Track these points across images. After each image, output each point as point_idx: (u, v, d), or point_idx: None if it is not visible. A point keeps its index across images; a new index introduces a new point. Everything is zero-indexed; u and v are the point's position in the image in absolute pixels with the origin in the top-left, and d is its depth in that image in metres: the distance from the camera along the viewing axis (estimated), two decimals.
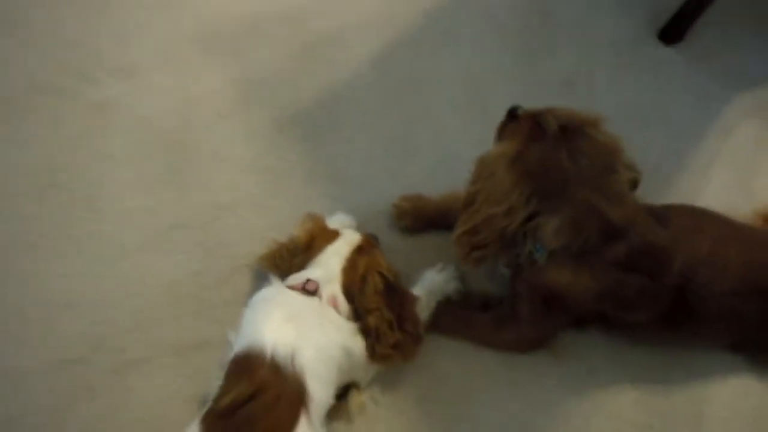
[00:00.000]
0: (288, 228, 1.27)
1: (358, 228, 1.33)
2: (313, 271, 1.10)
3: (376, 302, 1.09)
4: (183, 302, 1.28)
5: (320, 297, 1.07)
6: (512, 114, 1.13)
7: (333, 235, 1.17)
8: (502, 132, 1.14)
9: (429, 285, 1.25)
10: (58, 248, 1.32)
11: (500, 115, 1.51)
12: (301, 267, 1.13)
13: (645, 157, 1.47)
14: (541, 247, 1.04)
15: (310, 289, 1.06)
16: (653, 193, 1.44)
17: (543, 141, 1.00)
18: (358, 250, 1.15)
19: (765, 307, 1.15)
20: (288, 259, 1.16)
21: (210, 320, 1.26)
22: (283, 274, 1.14)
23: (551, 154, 0.99)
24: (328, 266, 1.11)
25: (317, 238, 1.16)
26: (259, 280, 1.26)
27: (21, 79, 1.52)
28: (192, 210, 1.38)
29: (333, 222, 1.31)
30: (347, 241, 1.16)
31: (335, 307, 1.08)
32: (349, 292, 1.10)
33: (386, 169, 1.46)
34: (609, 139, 1.04)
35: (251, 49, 1.62)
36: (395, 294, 1.13)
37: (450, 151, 1.48)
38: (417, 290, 1.23)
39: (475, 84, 1.60)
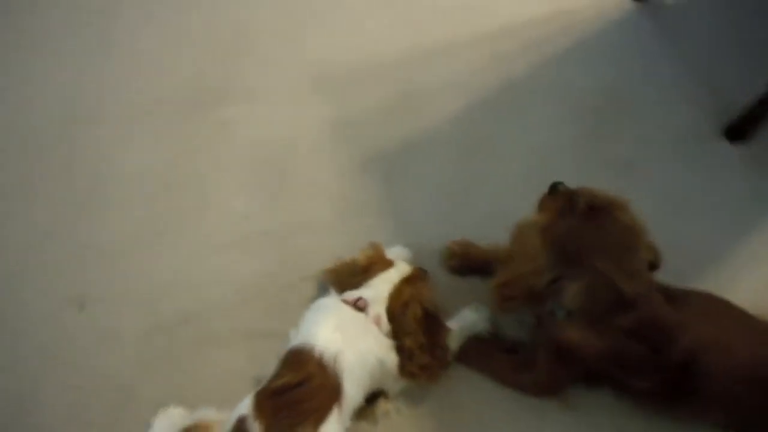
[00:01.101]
0: (352, 251, 1.50)
1: (412, 261, 1.54)
2: (365, 291, 1.33)
3: (413, 327, 1.30)
4: (258, 297, 1.55)
5: (367, 314, 1.29)
6: (553, 188, 1.31)
7: (388, 264, 1.39)
8: (542, 203, 1.32)
9: (463, 321, 1.44)
10: (169, 241, 1.64)
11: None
12: (357, 285, 1.36)
13: (684, 243, 1.62)
14: (561, 306, 1.21)
15: (360, 306, 1.29)
16: (690, 281, 1.56)
17: (572, 216, 1.18)
18: (407, 280, 1.36)
19: (766, 401, 1.24)
20: (348, 277, 1.39)
21: (277, 316, 1.51)
22: (342, 289, 1.37)
23: (577, 228, 1.17)
24: (379, 289, 1.33)
25: (375, 264, 1.38)
26: (321, 291, 1.51)
27: (166, 95, 1.88)
28: (278, 223, 1.66)
29: (391, 252, 1.52)
30: (399, 270, 1.38)
31: (378, 324, 1.30)
32: (392, 314, 1.32)
33: (445, 215, 1.67)
34: (633, 221, 1.20)
35: (354, 94, 1.90)
36: (431, 322, 1.34)
37: (504, 209, 1.60)
38: (452, 323, 1.40)
39: (541, 154, 1.78)
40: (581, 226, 1.18)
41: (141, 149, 1.78)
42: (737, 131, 1.79)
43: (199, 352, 1.47)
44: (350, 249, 1.55)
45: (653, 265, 1.25)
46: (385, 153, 1.78)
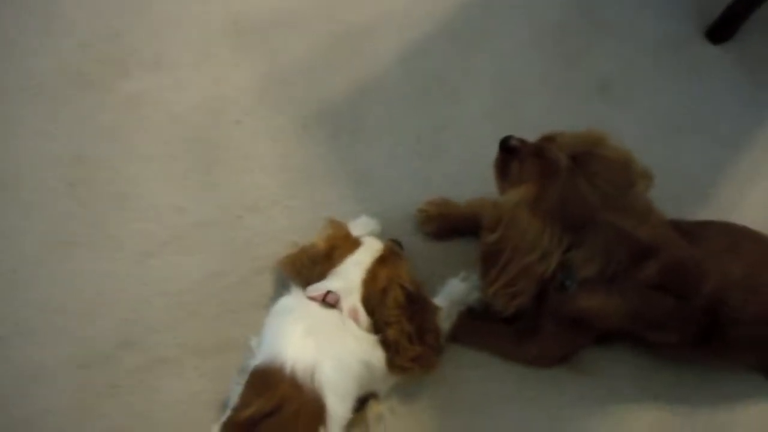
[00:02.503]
0: (311, 230, 1.27)
1: (383, 232, 1.32)
2: (333, 283, 1.10)
3: (396, 315, 1.09)
4: (206, 302, 1.29)
5: (340, 309, 1.07)
6: (506, 147, 1.09)
7: (354, 244, 1.16)
8: (503, 169, 1.09)
9: (451, 295, 1.24)
10: (89, 245, 1.34)
11: (531, 119, 1.50)
12: (321, 276, 1.13)
13: (683, 166, 1.45)
14: (572, 277, 1.01)
15: (330, 301, 1.06)
16: (691, 205, 1.41)
17: (557, 176, 0.97)
18: (380, 261, 1.14)
19: None
20: (309, 267, 1.16)
21: (231, 322, 1.27)
22: (305, 282, 1.14)
23: (570, 187, 0.96)
24: (349, 277, 1.11)
25: (338, 246, 1.15)
26: (281, 284, 1.27)
27: (54, 68, 1.52)
28: (217, 209, 1.38)
29: (357, 226, 1.30)
30: (369, 250, 1.15)
31: (355, 319, 1.08)
32: (369, 304, 1.10)
33: (412, 171, 1.44)
34: (619, 154, 1.01)
35: (280, 44, 1.59)
36: (416, 306, 1.13)
37: (478, 154, 1.43)
38: (439, 300, 1.22)
39: (507, 85, 1.55)
40: (572, 182, 0.96)
41: (32, 138, 1.45)
42: (721, 31, 1.60)
43: (144, 381, 1.22)
44: (306, 229, 1.32)
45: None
46: (328, 108, 1.51)
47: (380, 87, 1.55)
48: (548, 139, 1.02)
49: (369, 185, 1.42)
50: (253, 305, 1.28)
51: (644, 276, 1.00)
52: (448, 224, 1.33)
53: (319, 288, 1.09)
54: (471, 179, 1.41)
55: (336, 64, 1.58)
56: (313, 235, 1.22)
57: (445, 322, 1.20)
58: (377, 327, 1.10)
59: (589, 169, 0.96)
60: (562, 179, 0.96)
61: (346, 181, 1.42)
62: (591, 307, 1.03)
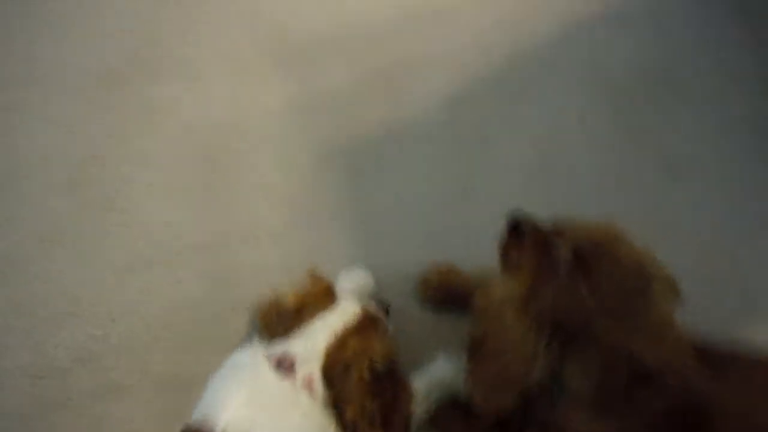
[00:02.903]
0: (301, 272, 1.15)
1: (375, 290, 1.19)
2: (294, 344, 0.97)
3: (359, 394, 0.95)
4: (177, 331, 1.20)
5: (294, 376, 0.94)
6: (515, 226, 0.93)
7: (329, 302, 1.04)
8: (505, 249, 0.95)
9: (434, 375, 1.09)
10: (73, 248, 1.29)
11: (569, 186, 1.33)
12: (287, 333, 1.01)
13: (747, 274, 1.23)
14: (561, 386, 0.84)
15: (284, 367, 0.94)
16: (746, 324, 1.19)
17: (555, 277, 0.81)
18: (353, 328, 1.00)
19: None
20: (276, 321, 1.04)
21: (198, 357, 1.18)
22: (271, 335, 1.02)
23: (568, 289, 0.79)
24: (313, 341, 0.98)
25: (309, 305, 1.03)
26: (254, 327, 1.16)
27: (86, 66, 1.50)
28: (211, 235, 1.30)
29: (347, 278, 1.18)
30: (342, 313, 1.02)
31: (310, 390, 0.95)
32: (330, 374, 0.96)
33: (427, 225, 1.30)
34: (634, 255, 0.85)
35: (320, 69, 1.51)
36: (386, 383, 0.98)
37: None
38: (418, 380, 1.07)
39: (554, 146, 1.39)
40: (571, 285, 0.80)
41: (47, 131, 1.42)
42: None
43: (96, 403, 1.15)
44: (297, 270, 1.18)
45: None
46: (352, 145, 1.41)
47: (412, 130, 1.43)
48: (558, 232, 0.86)
49: (376, 233, 1.30)
50: (222, 342, 1.17)
51: (646, 408, 0.81)
52: (450, 295, 1.19)
53: (276, 349, 0.97)
54: (488, 246, 1.25)
55: (372, 98, 1.47)
56: (294, 281, 1.11)
57: (420, 405, 1.05)
58: (335, 401, 0.97)
59: (595, 270, 0.79)
60: (558, 281, 0.79)
61: (352, 225, 1.31)
62: (578, 426, 0.85)
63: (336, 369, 0.96)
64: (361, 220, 1.32)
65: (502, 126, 1.42)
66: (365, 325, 1.02)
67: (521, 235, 0.91)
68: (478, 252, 1.20)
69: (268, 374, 0.92)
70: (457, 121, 1.43)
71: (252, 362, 0.95)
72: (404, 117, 1.45)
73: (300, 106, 1.46)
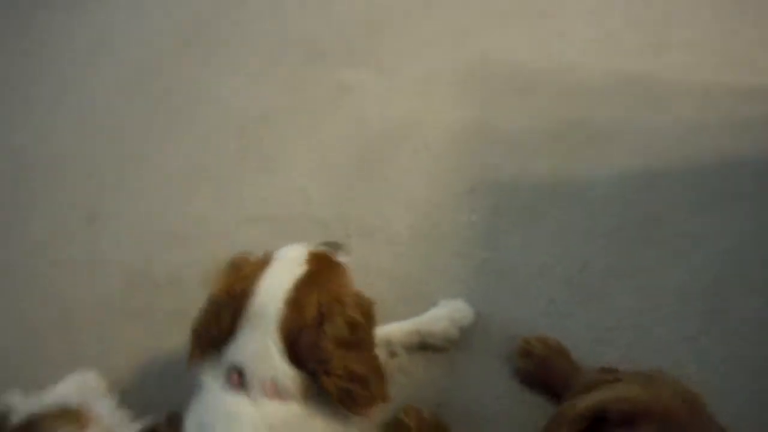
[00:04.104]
0: (403, 287, 1.07)
1: (472, 330, 1.06)
2: (232, 354, 0.76)
3: (339, 357, 0.75)
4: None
5: (249, 390, 0.74)
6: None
7: (261, 265, 0.81)
8: None
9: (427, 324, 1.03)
10: (217, 185, 1.37)
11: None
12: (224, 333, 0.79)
13: None
14: None
15: (233, 385, 0.74)
16: None
17: None
18: (305, 279, 0.78)
19: None
20: (215, 332, 0.80)
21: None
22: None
23: None
24: (252, 332, 0.75)
25: (239, 280, 0.79)
26: None
27: (294, 37, 1.61)
28: (335, 216, 1.28)
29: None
30: (284, 268, 0.79)
31: (275, 395, 0.74)
32: (298, 349, 0.75)
33: (552, 299, 1.11)
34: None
35: (507, 101, 1.43)
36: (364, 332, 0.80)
37: (644, 325, 1.06)
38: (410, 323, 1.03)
39: (730, 259, 1.13)
40: None
41: (245, 85, 1.54)
42: None
43: (172, 325, 1.15)
44: (401, 284, 1.12)
45: None
46: (507, 187, 1.28)
47: (575, 196, 1.26)
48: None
49: (494, 280, 1.15)
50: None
51: None
52: (545, 376, 0.99)
53: (221, 364, 0.77)
54: (615, 348, 1.04)
55: (546, 149, 1.34)
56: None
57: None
58: (320, 375, 0.75)
59: None
60: None
61: (473, 264, 1.18)
62: None
63: (304, 338, 0.75)
64: (482, 262, 1.18)
65: (676, 232, 1.19)
66: (322, 270, 0.80)
67: None
68: (600, 351, 1.02)
69: (228, 407, 0.74)
70: (627, 202, 1.24)
71: (211, 406, 0.76)
72: (572, 180, 1.28)
73: (473, 131, 1.39)
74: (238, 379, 0.74)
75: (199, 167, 1.40)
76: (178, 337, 1.07)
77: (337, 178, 1.34)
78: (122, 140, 1.52)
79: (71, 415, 0.88)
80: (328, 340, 0.74)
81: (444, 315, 1.06)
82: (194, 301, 1.12)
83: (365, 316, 0.79)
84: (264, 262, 0.80)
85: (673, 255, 1.15)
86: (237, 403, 0.73)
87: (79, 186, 1.42)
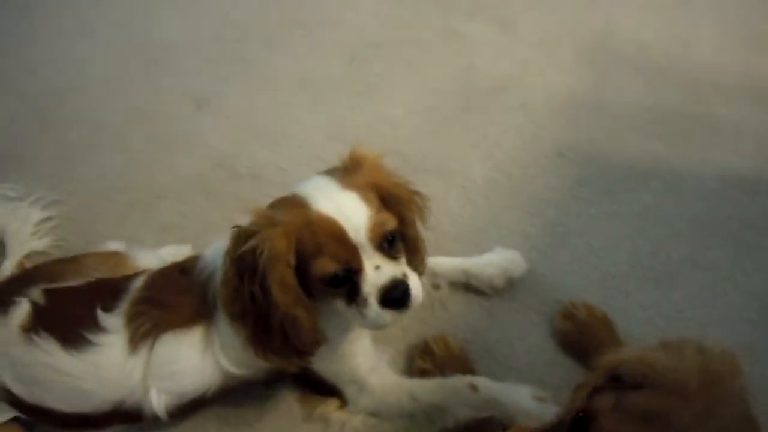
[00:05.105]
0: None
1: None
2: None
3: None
4: None
5: None
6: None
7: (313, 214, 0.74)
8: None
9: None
10: (307, 96, 1.43)
11: None
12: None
13: None
14: None
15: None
16: None
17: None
18: (364, 199, 0.74)
19: None
20: None
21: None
22: None
23: None
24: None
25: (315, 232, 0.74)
26: None
27: None
28: (415, 151, 1.28)
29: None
30: (342, 201, 0.73)
31: None
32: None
33: (611, 275, 1.07)
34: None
35: (619, 79, 1.39)
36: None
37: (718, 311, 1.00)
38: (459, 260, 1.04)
39: None
40: None
41: (367, 12, 1.59)
42: None
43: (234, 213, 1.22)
44: (463, 234, 1.13)
45: None
46: (599, 161, 1.24)
47: (681, 181, 1.20)
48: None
49: (557, 246, 1.12)
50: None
51: None
52: (584, 342, 0.96)
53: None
54: (667, 333, 0.97)
55: (650, 131, 1.29)
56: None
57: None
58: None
59: None
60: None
61: (543, 226, 1.15)
62: None
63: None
64: (550, 223, 1.15)
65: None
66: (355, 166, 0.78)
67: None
68: (641, 330, 0.97)
69: None
70: (723, 201, 1.15)
71: None
72: (671, 167, 1.22)
73: (577, 100, 1.35)
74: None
75: (304, 79, 1.46)
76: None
77: (429, 117, 1.35)
78: (240, 40, 1.60)
79: None
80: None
81: (496, 262, 1.05)
82: (268, 197, 1.23)
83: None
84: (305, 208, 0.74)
85: (756, 262, 1.06)
86: None
87: (190, 74, 1.52)
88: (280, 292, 0.72)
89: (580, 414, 0.61)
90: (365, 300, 0.74)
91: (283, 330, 0.74)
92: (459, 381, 0.89)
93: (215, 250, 0.83)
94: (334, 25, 1.60)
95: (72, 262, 0.95)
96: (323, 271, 0.72)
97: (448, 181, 1.23)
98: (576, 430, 0.61)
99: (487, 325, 1.01)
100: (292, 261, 0.72)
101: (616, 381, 0.63)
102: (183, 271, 0.86)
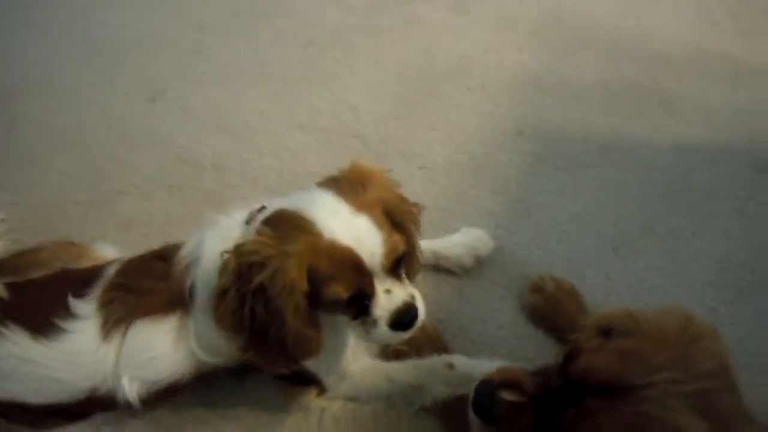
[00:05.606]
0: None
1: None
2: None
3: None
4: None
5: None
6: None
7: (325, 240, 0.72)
8: None
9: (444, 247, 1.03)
10: (277, 86, 1.41)
11: None
12: None
13: None
14: None
15: None
16: None
17: None
18: (377, 221, 0.73)
19: None
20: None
21: None
22: None
23: None
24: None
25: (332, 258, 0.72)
26: None
27: None
28: (381, 136, 1.29)
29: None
30: (358, 228, 0.71)
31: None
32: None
33: (579, 248, 1.09)
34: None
35: (571, 56, 1.42)
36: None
37: (670, 293, 1.03)
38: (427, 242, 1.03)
39: None
40: None
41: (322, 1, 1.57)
42: None
43: (202, 205, 1.20)
44: (429, 209, 1.11)
45: None
46: (557, 136, 1.27)
47: (638, 153, 1.23)
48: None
49: (521, 224, 1.13)
50: None
51: None
52: (553, 314, 0.98)
53: None
54: (631, 302, 1.01)
55: (605, 105, 1.32)
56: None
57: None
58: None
59: None
60: None
61: (505, 204, 1.17)
62: None
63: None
64: (513, 201, 1.17)
65: (728, 207, 1.14)
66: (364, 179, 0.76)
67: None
68: (606, 300, 1.00)
69: None
70: (682, 170, 1.19)
71: None
72: (628, 140, 1.25)
73: (534, 78, 1.37)
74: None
75: (262, 69, 1.45)
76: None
77: (389, 102, 1.35)
78: (195, 30, 1.58)
79: None
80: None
81: (462, 242, 1.06)
82: (232, 188, 1.22)
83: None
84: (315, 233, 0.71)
85: (717, 228, 1.11)
86: None
87: (147, 69, 1.49)
88: (294, 319, 0.70)
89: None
90: (375, 321, 0.74)
91: (280, 340, 0.73)
92: (435, 360, 0.90)
93: (198, 239, 0.81)
94: (292, 15, 1.58)
95: (31, 253, 0.92)
96: (336, 297, 0.71)
97: (411, 163, 1.24)
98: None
99: (459, 304, 1.03)
100: (306, 288, 0.70)
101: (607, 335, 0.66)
102: (161, 257, 0.84)
